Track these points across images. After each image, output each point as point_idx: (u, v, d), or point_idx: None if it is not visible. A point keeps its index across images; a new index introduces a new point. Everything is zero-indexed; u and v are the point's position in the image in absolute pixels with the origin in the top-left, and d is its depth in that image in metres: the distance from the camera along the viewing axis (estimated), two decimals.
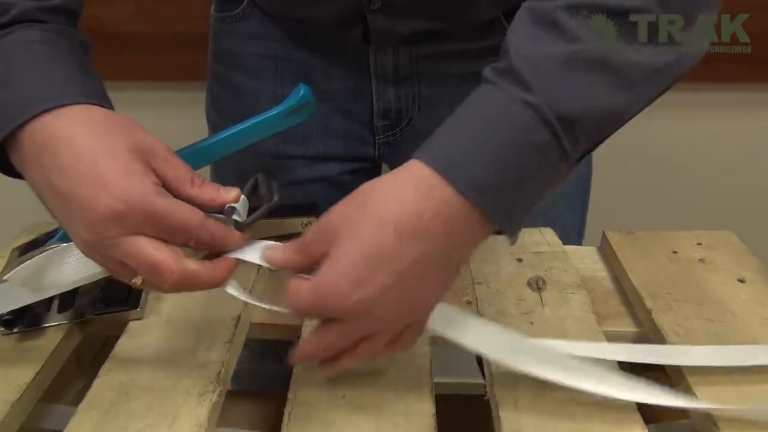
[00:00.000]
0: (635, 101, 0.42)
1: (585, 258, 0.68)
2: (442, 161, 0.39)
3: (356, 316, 0.41)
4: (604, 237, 0.69)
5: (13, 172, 0.45)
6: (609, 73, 0.40)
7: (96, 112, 0.43)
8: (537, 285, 0.61)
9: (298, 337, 0.55)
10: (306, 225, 0.64)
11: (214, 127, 0.76)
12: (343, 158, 0.73)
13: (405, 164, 0.41)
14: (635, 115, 0.43)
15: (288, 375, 0.52)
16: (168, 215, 0.40)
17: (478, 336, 0.48)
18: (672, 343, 0.52)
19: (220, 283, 0.43)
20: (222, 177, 0.77)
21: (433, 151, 0.40)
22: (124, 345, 0.55)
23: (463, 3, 0.63)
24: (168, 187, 0.42)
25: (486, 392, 0.52)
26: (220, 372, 0.51)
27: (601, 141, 0.43)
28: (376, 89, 0.68)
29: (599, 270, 0.66)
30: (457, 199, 0.39)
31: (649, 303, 0.57)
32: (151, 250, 0.40)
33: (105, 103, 0.44)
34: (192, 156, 0.52)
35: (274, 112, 0.56)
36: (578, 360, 0.47)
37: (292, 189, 0.73)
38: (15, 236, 0.68)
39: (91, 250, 0.42)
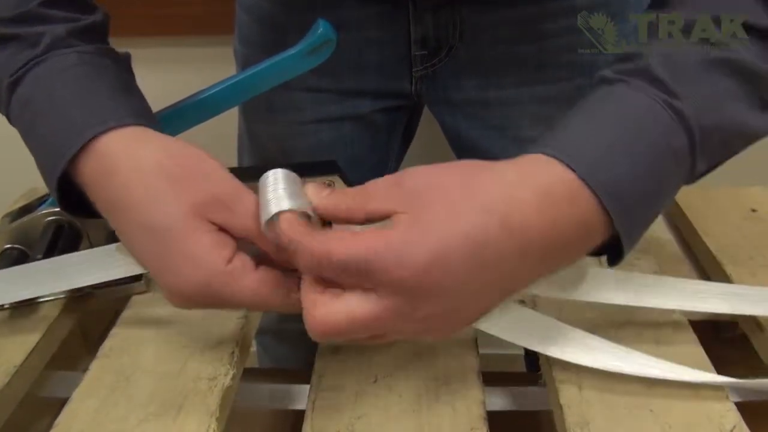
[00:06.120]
0: None
1: None
2: (580, 160, 0.33)
3: (410, 300, 0.32)
4: None
5: (84, 209, 0.42)
6: (753, 86, 0.36)
7: (146, 145, 0.39)
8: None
9: None
10: (329, 184, 0.57)
11: (242, 61, 0.71)
12: (377, 94, 0.68)
13: (526, 158, 0.35)
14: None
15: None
16: (239, 301, 0.37)
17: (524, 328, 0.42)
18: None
19: None
20: (250, 115, 0.72)
21: (564, 147, 0.34)
22: (126, 322, 0.48)
23: None
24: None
25: (540, 373, 0.45)
26: (233, 352, 0.45)
27: (717, 165, 0.39)
28: (413, 14, 0.62)
29: (663, 231, 0.58)
30: (589, 206, 0.34)
31: (729, 269, 0.49)
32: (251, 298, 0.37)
33: (152, 123, 0.41)
34: (181, 114, 0.50)
35: (291, 52, 0.49)
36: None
37: (323, 127, 0.69)
38: (15, 201, 0.63)
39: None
